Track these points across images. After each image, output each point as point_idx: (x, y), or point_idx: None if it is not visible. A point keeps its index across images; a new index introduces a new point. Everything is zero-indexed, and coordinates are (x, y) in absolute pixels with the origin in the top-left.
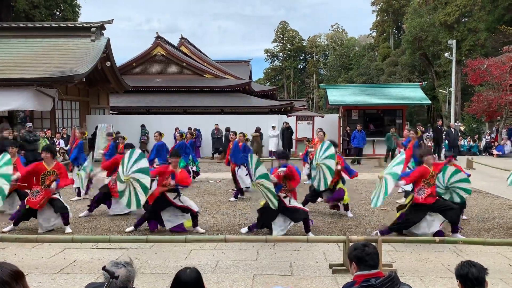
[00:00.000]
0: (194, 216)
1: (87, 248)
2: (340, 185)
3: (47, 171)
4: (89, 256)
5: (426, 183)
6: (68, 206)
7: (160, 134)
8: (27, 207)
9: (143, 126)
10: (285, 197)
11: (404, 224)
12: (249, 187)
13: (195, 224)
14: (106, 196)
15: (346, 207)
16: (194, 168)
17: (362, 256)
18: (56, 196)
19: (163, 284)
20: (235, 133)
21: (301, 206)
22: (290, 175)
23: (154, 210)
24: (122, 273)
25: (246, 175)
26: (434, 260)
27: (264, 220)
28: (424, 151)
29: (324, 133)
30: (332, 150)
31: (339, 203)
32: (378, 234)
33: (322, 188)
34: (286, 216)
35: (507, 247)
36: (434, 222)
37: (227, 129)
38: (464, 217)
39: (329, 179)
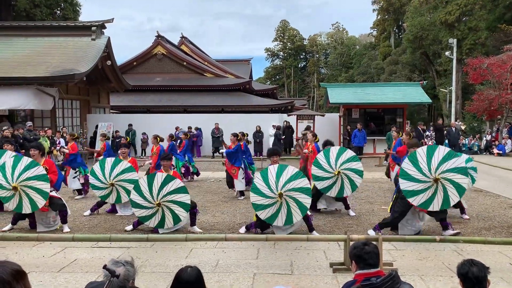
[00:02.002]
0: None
1: (88, 247)
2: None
3: None
4: (90, 255)
5: None
6: (66, 204)
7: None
8: None
9: (130, 125)
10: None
11: (395, 218)
12: (242, 191)
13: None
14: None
15: (347, 206)
16: (191, 169)
17: (362, 255)
18: (54, 193)
19: (164, 283)
20: (243, 134)
21: None
22: None
23: None
24: (121, 272)
25: (242, 178)
26: (435, 259)
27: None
28: (412, 143)
29: (314, 135)
30: (360, 165)
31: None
32: (378, 233)
33: (332, 195)
34: None
35: (507, 246)
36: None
37: (278, 127)
38: (466, 216)
39: (348, 192)
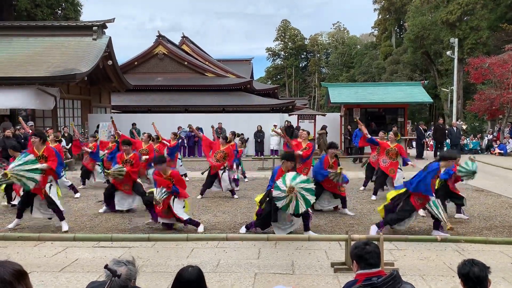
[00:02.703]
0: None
1: (89, 247)
2: (342, 188)
3: (38, 156)
4: (91, 254)
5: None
6: (58, 201)
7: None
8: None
9: (134, 124)
10: None
11: (401, 216)
12: (231, 191)
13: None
14: (110, 193)
15: (345, 204)
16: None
17: (363, 255)
18: (53, 191)
19: (165, 282)
20: (233, 134)
21: None
22: None
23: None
24: (123, 272)
25: (227, 178)
26: (436, 259)
27: (265, 219)
28: (452, 154)
29: (308, 133)
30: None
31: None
32: (379, 232)
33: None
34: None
35: (509, 245)
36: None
37: (292, 126)
38: (465, 216)
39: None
